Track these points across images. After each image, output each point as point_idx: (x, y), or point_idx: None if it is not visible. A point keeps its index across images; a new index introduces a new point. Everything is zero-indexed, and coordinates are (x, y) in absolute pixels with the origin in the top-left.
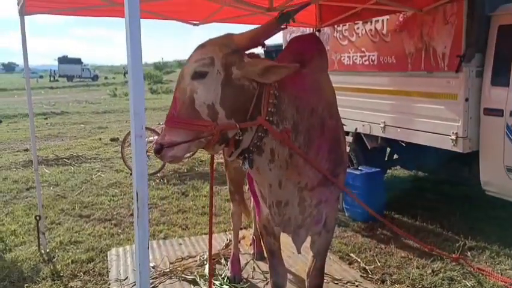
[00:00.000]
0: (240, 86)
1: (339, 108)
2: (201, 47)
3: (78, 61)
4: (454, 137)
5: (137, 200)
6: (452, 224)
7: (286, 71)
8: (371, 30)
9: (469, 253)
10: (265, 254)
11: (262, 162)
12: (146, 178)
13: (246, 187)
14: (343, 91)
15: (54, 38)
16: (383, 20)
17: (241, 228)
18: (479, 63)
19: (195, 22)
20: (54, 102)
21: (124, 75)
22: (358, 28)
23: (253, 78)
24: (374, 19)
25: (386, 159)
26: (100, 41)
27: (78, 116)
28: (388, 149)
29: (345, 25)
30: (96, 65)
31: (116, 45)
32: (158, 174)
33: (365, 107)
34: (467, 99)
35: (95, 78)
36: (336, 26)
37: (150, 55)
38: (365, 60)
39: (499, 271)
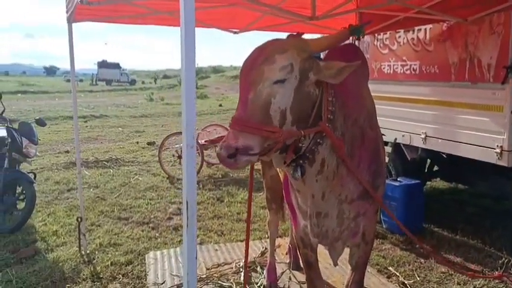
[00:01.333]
0: (308, 91)
1: (378, 118)
2: (281, 49)
3: (117, 66)
4: (498, 150)
5: (187, 209)
6: (494, 240)
7: (353, 68)
8: (413, 39)
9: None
10: (302, 266)
11: (311, 172)
12: (195, 188)
13: None
14: (383, 100)
15: (95, 44)
16: (425, 29)
17: (277, 237)
18: None
19: (235, 30)
20: (93, 105)
21: (155, 81)
22: (400, 37)
23: (325, 80)
24: (416, 28)
25: (425, 170)
26: (138, 47)
27: (116, 120)
28: (428, 161)
29: (386, 33)
30: (134, 70)
31: (153, 52)
32: None
33: (406, 116)
34: None
35: (132, 82)
36: (376, 35)
37: None
38: (406, 70)
39: None
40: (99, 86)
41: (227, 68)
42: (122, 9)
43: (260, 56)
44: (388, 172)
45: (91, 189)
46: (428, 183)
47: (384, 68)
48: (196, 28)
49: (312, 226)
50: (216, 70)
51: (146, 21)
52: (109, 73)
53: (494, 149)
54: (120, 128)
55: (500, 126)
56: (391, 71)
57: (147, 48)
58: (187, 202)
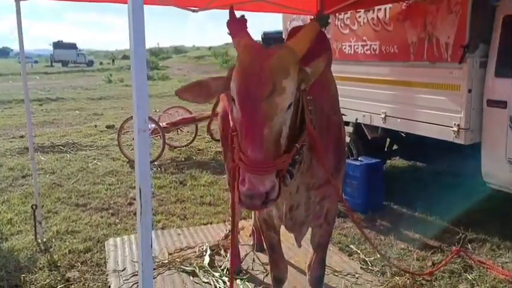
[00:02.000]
0: (297, 101)
1: (340, 99)
2: (285, 72)
3: (73, 46)
4: (455, 129)
5: (140, 197)
6: (452, 216)
7: (325, 61)
8: (373, 18)
9: (469, 245)
10: (265, 248)
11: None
12: (149, 173)
13: None
14: (344, 81)
15: (50, 23)
16: (385, 9)
17: (240, 219)
18: (483, 54)
19: (194, 8)
20: (49, 88)
21: (113, 61)
22: (360, 16)
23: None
24: (376, 7)
25: (385, 149)
26: (96, 27)
27: (73, 102)
28: (388, 140)
29: (347, 13)
30: (92, 50)
31: (112, 31)
32: (155, 163)
33: (366, 97)
34: (470, 91)
35: (90, 63)
36: (337, 14)
37: (146, 40)
38: (367, 50)
39: (500, 264)
40: (55, 68)
41: (190, 49)
42: None
43: (267, 85)
44: (349, 152)
45: (47, 175)
46: (388, 161)
47: (345, 49)
48: (153, 6)
49: (285, 220)
50: (178, 51)
51: None
52: (65, 54)
53: (452, 127)
54: (77, 111)
55: (457, 105)
56: (352, 51)
57: (106, 27)
58: (140, 189)
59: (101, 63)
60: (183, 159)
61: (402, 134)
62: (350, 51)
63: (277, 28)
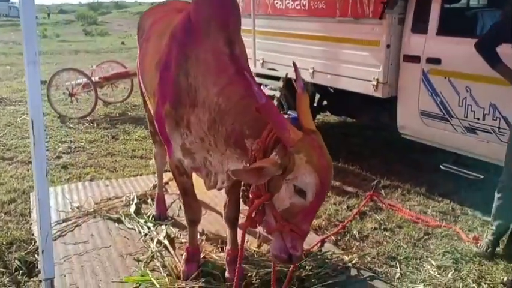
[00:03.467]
0: None
1: (272, 53)
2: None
3: None
4: (374, 83)
5: (32, 127)
6: (371, 166)
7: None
8: None
9: (383, 191)
10: (179, 192)
11: None
12: (41, 106)
13: None
14: (276, 36)
15: None
16: None
17: (168, 171)
18: (402, 11)
19: None
20: None
21: (49, 15)
22: None
23: None
24: None
25: (315, 105)
26: None
27: (4, 57)
28: (318, 95)
29: None
30: None
31: None
32: (87, 118)
33: (296, 52)
34: (388, 46)
35: None
36: None
37: None
38: (297, 5)
39: (408, 207)
40: None
41: (131, 4)
42: None
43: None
44: (280, 106)
45: None
46: (320, 117)
47: (277, 3)
48: None
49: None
50: (119, 6)
51: None
52: None
53: (371, 81)
54: (8, 66)
55: (376, 60)
56: (283, 7)
57: None
58: (32, 121)
59: (36, 18)
60: (117, 115)
61: (331, 90)
62: (281, 6)
63: None
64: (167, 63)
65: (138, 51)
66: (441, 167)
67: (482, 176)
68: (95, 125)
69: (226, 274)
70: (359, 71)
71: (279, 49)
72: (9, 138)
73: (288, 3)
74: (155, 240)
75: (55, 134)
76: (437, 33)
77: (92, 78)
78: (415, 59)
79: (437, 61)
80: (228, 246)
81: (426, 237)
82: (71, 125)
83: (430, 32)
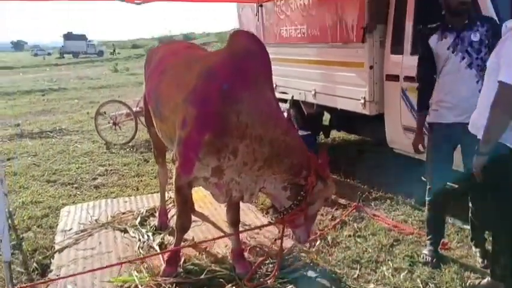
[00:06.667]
0: None
1: (281, 78)
2: None
3: (83, 37)
4: (362, 101)
5: None
6: (362, 178)
7: None
8: (301, 4)
9: (372, 203)
10: (178, 204)
11: None
12: None
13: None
14: (283, 62)
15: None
16: None
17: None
18: (383, 34)
19: (137, 2)
20: (56, 79)
21: (114, 51)
22: (292, 3)
23: None
24: None
25: (328, 123)
26: (110, 16)
27: (74, 92)
28: (328, 115)
29: (283, 0)
30: (104, 40)
31: (124, 20)
32: (129, 144)
33: (300, 76)
34: (371, 67)
35: (100, 53)
36: (276, 1)
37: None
38: (298, 33)
39: (392, 216)
40: (66, 59)
41: (199, 36)
42: None
43: None
44: None
45: (29, 158)
46: (335, 136)
47: (282, 32)
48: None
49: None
50: (187, 37)
51: None
52: (75, 45)
53: (360, 100)
54: (76, 100)
55: (362, 80)
56: (288, 35)
57: (119, 17)
58: None
59: (111, 53)
60: None
61: (336, 109)
62: (286, 35)
63: None
64: (206, 101)
65: (146, 81)
66: (423, 178)
67: (457, 186)
68: (134, 150)
69: (237, 270)
70: (349, 90)
71: (286, 74)
72: (58, 164)
73: (291, 31)
74: (149, 246)
75: (97, 159)
76: (411, 53)
77: (134, 108)
78: (395, 78)
79: (412, 79)
80: (232, 246)
81: (395, 243)
82: (113, 150)
83: (405, 52)
